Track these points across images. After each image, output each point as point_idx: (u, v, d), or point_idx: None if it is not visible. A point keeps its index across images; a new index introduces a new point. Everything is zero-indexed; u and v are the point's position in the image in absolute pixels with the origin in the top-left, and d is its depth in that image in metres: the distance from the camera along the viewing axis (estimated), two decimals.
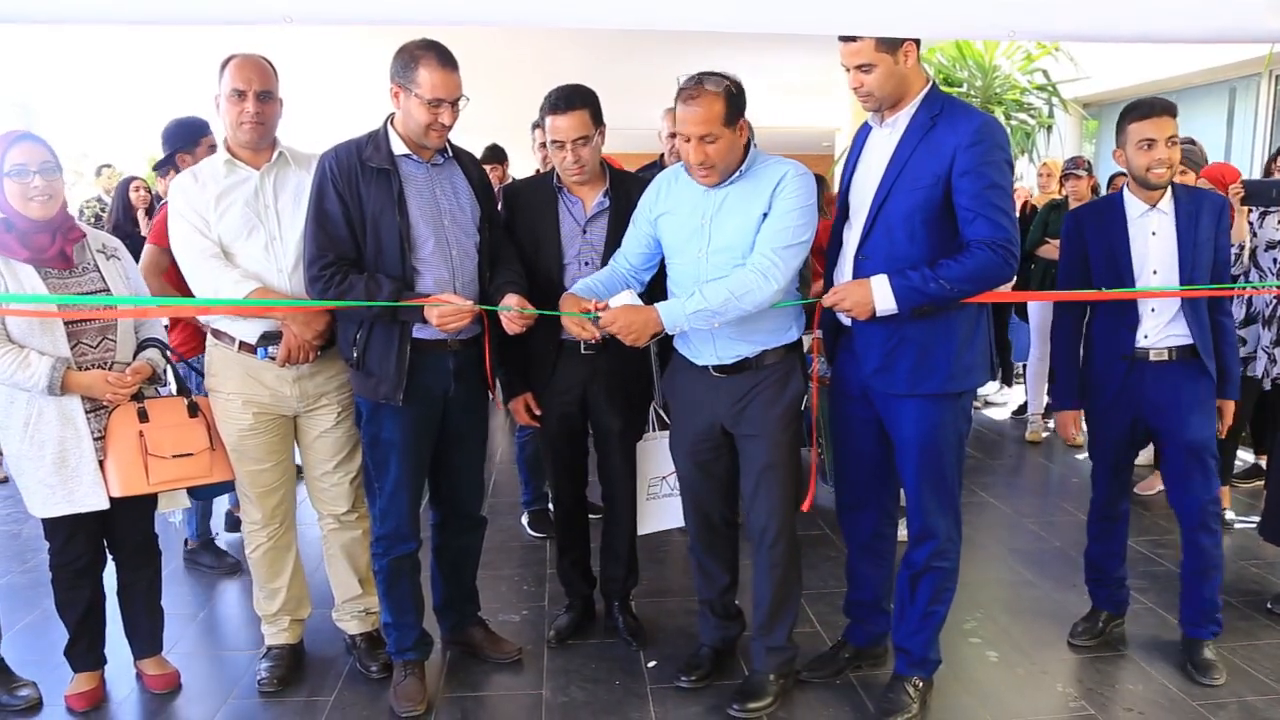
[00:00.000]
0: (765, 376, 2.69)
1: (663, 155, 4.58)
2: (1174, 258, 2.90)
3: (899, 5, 2.59)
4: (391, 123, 2.68)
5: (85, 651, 2.89)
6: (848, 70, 2.50)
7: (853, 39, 2.44)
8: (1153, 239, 2.93)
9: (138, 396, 2.72)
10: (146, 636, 2.98)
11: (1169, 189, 2.93)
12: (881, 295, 2.45)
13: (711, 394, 2.73)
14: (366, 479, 2.85)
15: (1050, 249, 5.64)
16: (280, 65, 2.82)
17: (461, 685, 3.00)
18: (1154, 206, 2.93)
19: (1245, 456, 5.10)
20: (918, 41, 2.47)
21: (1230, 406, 3.03)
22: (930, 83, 2.51)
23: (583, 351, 2.93)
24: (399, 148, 2.65)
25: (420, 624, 2.94)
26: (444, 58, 2.57)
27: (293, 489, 2.99)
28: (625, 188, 2.98)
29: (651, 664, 3.09)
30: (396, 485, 2.76)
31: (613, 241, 2.92)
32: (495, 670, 3.08)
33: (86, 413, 2.65)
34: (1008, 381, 7.33)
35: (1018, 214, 6.12)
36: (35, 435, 2.63)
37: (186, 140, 3.69)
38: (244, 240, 2.71)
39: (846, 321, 2.64)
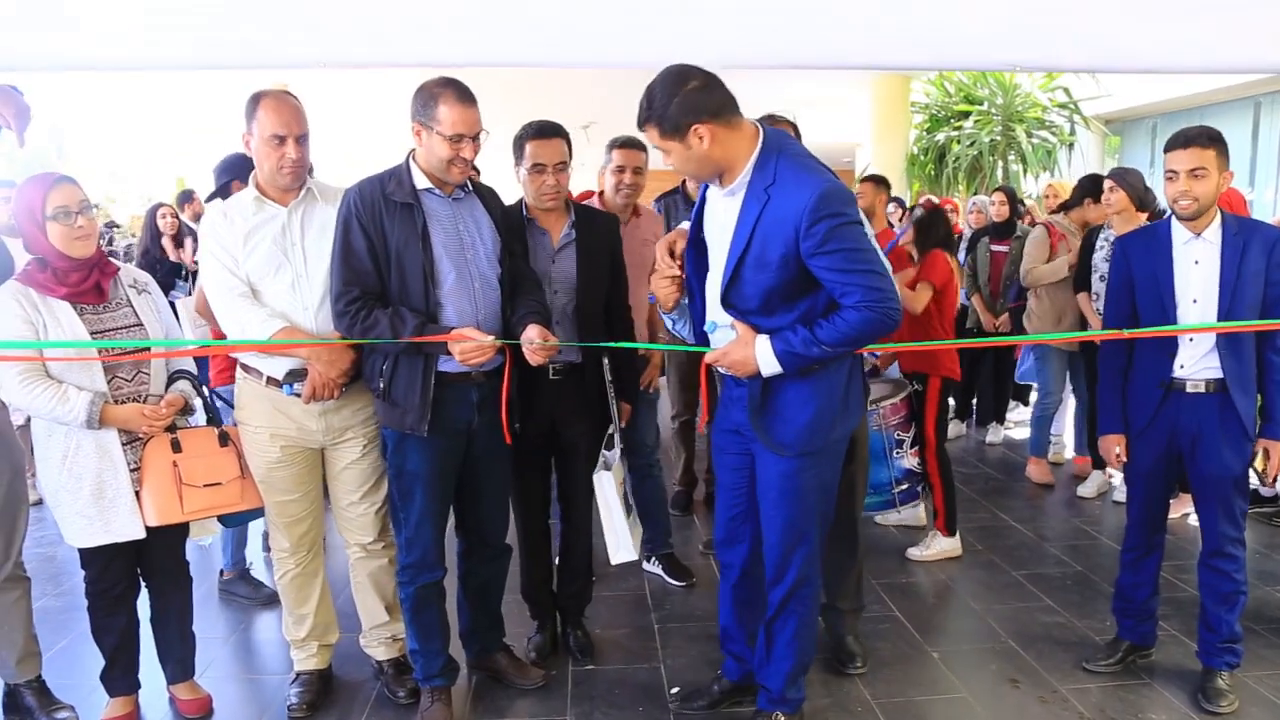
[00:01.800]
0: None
1: (684, 181, 4.63)
2: (1214, 289, 2.88)
3: (906, 38, 2.64)
4: (413, 158, 2.74)
5: (120, 676, 2.95)
6: None
7: (642, 128, 2.42)
8: (1195, 268, 2.92)
9: (170, 428, 2.78)
10: (179, 662, 3.04)
11: (1219, 218, 2.91)
12: (765, 361, 2.43)
13: None
14: (392, 509, 2.89)
15: None
16: (312, 101, 2.88)
17: (487, 711, 3.04)
18: (1198, 235, 2.91)
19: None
20: (719, 116, 2.34)
21: (1278, 448, 2.92)
22: (759, 147, 2.40)
23: (550, 377, 3.04)
24: (421, 182, 2.71)
25: (446, 650, 2.98)
26: (462, 94, 2.63)
27: (320, 518, 3.04)
28: (588, 221, 3.14)
29: (675, 689, 3.12)
30: (422, 515, 2.80)
31: (582, 271, 3.08)
32: (520, 696, 3.12)
33: (123, 445, 2.72)
34: (1024, 401, 7.31)
35: (1030, 235, 6.15)
36: (73, 468, 2.69)
37: (246, 170, 3.66)
38: (271, 278, 2.76)
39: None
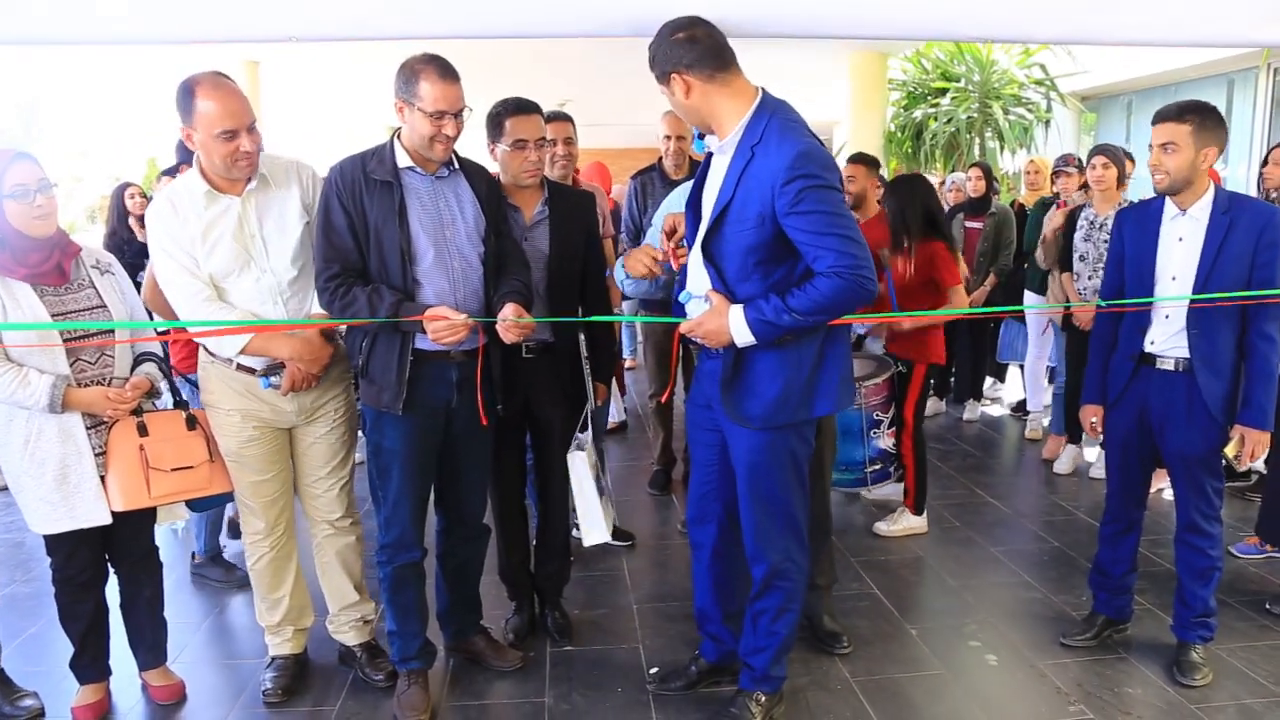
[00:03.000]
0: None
1: (662, 158, 4.60)
2: (1194, 267, 2.85)
3: (880, 8, 2.62)
4: (398, 136, 2.70)
5: (90, 663, 2.90)
6: None
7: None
8: (1178, 245, 2.90)
9: (136, 411, 2.73)
10: (150, 648, 3.00)
11: (1211, 194, 2.86)
12: (738, 330, 2.42)
13: None
14: (371, 487, 2.86)
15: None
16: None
17: (465, 694, 3.02)
18: (1184, 212, 2.89)
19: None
20: (703, 71, 2.37)
21: (1255, 436, 2.83)
22: (754, 107, 2.40)
23: (524, 355, 3.02)
24: (403, 160, 2.67)
25: (424, 633, 2.96)
26: (444, 70, 2.58)
27: (291, 499, 3.00)
28: (561, 199, 3.13)
29: (653, 670, 3.10)
30: (399, 493, 2.78)
31: (554, 248, 3.08)
32: (498, 678, 3.10)
33: (87, 429, 2.66)
34: (1000, 378, 7.33)
35: (1014, 214, 6.13)
36: (35, 453, 2.62)
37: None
38: (236, 276, 2.68)
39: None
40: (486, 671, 3.13)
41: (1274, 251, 2.79)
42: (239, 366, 2.76)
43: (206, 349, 2.80)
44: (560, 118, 3.86)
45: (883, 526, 4.36)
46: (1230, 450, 2.89)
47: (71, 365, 2.62)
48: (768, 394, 2.50)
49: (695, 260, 2.57)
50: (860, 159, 4.86)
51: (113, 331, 2.71)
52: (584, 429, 3.12)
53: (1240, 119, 9.55)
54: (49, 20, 2.57)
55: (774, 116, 2.39)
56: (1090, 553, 3.36)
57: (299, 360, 2.69)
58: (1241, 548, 4.00)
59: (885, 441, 4.22)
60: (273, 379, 2.72)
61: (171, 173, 3.67)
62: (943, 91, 11.25)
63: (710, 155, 2.61)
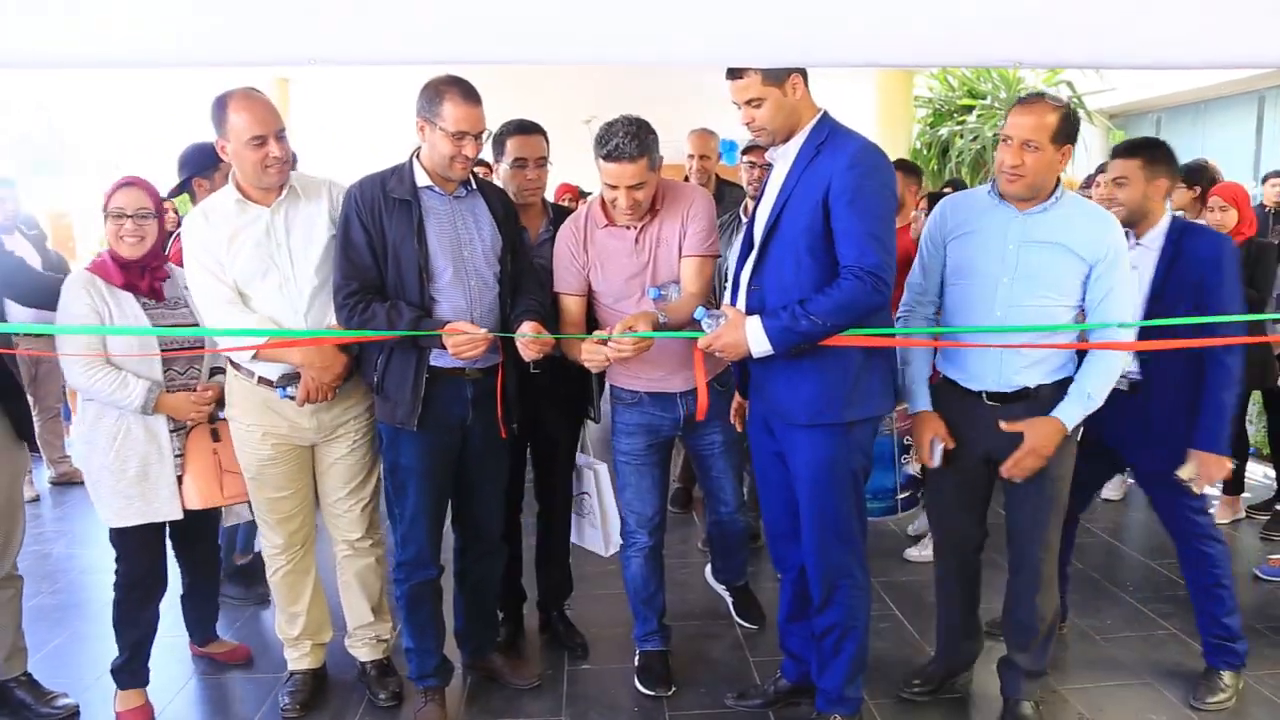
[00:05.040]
0: (1040, 409, 2.64)
1: (687, 176, 4.60)
2: (1145, 294, 2.91)
3: (908, 35, 2.62)
4: (417, 156, 2.73)
5: (139, 669, 3.00)
6: (738, 107, 2.51)
7: (739, 75, 2.45)
8: (1133, 274, 2.87)
9: (210, 420, 2.95)
10: (207, 622, 3.35)
11: (1165, 224, 2.93)
12: (755, 338, 2.41)
13: (983, 423, 2.71)
14: (388, 505, 2.89)
15: None
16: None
17: (482, 711, 3.02)
18: (1139, 242, 2.94)
19: (1263, 469, 5.00)
20: (804, 73, 2.47)
21: (1209, 459, 2.82)
22: (821, 112, 2.50)
23: (531, 371, 3.01)
24: (422, 179, 2.71)
25: (441, 650, 2.97)
26: (468, 93, 2.63)
27: (311, 515, 3.02)
28: (564, 220, 3.13)
29: (670, 690, 3.10)
30: (416, 511, 2.80)
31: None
32: (516, 696, 3.10)
33: (170, 432, 2.86)
34: None
35: None
36: (121, 450, 2.81)
37: (206, 165, 3.43)
38: (258, 282, 2.74)
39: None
40: (504, 689, 3.13)
41: (1218, 276, 2.82)
42: (260, 380, 2.80)
43: (232, 361, 2.85)
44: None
45: (913, 552, 4.33)
46: (1184, 473, 2.87)
47: (164, 373, 2.84)
48: (810, 388, 2.49)
49: (740, 293, 2.61)
50: (897, 164, 4.82)
51: (202, 344, 2.93)
52: (584, 447, 3.23)
53: (1271, 137, 9.44)
54: (65, 44, 2.59)
55: (835, 124, 2.50)
56: (1112, 575, 3.32)
57: (310, 367, 2.72)
58: (1266, 570, 3.94)
59: (914, 467, 4.18)
60: (288, 389, 2.76)
61: (179, 190, 3.63)
62: (969, 109, 11.21)
63: (761, 195, 2.64)
